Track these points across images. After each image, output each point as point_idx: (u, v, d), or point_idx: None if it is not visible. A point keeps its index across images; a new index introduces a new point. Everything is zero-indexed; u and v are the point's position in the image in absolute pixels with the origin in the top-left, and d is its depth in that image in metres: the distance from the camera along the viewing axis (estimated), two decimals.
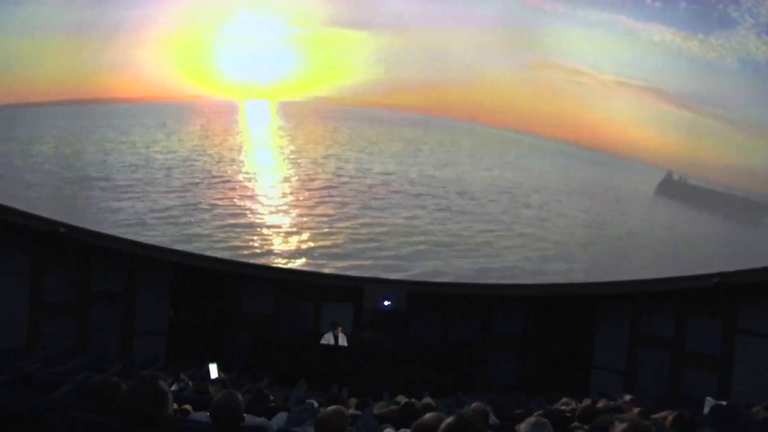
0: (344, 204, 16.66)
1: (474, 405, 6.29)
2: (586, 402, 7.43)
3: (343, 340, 13.08)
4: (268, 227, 16.96)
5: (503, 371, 14.22)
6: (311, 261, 13.91)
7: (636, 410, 6.46)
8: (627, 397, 8.12)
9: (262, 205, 18.56)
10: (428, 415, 3.38)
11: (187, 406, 5.66)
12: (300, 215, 17.07)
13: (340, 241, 14.72)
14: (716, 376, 11.45)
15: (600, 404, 7.17)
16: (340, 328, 13.08)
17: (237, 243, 15.41)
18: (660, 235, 11.59)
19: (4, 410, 3.45)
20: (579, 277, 12.80)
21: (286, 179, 20.18)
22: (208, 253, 13.49)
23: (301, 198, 18.02)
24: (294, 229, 16.39)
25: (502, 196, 19.45)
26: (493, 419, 6.65)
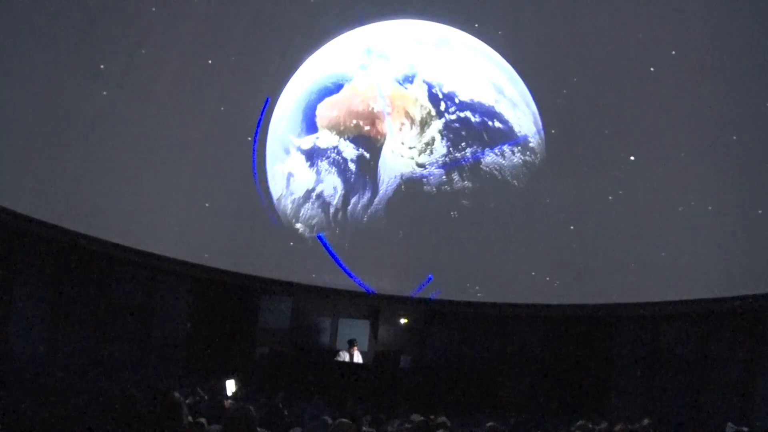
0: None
1: (489, 425, 6.25)
2: (604, 425, 7.35)
3: (358, 358, 13.05)
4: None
5: (519, 391, 14.07)
6: (330, 275, 13.87)
7: None
8: (645, 421, 8.02)
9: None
10: None
11: (202, 420, 5.69)
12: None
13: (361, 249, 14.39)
14: (738, 401, 11.24)
15: (617, 428, 7.09)
16: (356, 347, 13.07)
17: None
18: (681, 255, 11.25)
19: (23, 418, 3.50)
20: (602, 292, 12.53)
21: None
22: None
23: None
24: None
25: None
26: None
